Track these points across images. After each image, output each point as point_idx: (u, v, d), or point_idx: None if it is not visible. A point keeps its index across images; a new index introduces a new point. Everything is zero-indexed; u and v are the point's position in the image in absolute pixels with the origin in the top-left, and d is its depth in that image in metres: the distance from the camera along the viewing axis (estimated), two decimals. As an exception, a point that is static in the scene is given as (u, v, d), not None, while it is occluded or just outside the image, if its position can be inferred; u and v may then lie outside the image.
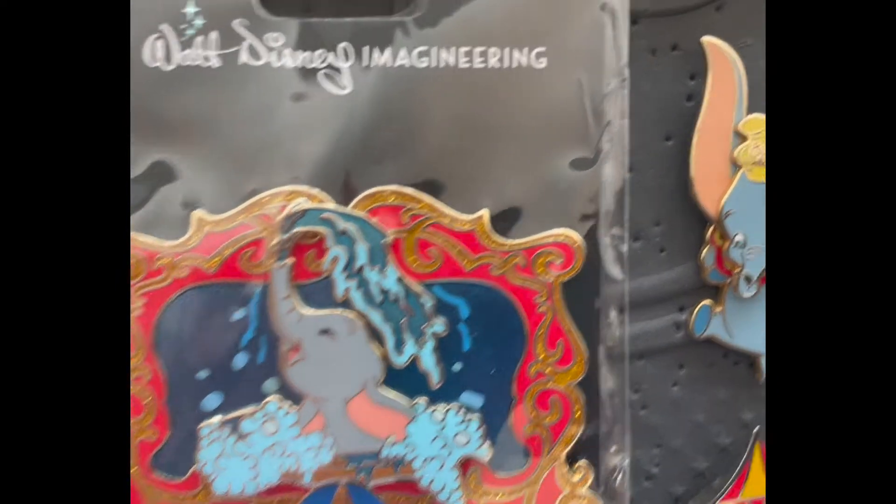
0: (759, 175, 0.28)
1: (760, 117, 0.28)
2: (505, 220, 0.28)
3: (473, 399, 0.28)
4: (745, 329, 0.29)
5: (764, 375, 0.29)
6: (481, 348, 0.28)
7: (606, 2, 0.28)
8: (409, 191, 0.28)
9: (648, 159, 0.29)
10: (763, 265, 0.28)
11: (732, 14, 0.29)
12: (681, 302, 0.29)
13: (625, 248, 0.29)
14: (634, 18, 0.29)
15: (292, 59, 0.27)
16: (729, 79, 0.28)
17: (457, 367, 0.28)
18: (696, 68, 0.29)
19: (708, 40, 0.28)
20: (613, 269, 0.29)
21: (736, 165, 0.28)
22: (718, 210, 0.28)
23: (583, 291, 0.29)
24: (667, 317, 0.29)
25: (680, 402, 0.30)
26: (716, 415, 0.30)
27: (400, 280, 0.28)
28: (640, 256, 0.29)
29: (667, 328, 0.29)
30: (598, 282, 0.29)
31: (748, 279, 0.28)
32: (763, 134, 0.28)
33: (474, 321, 0.28)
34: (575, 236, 0.28)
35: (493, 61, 0.28)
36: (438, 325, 0.28)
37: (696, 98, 0.29)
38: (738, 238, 0.28)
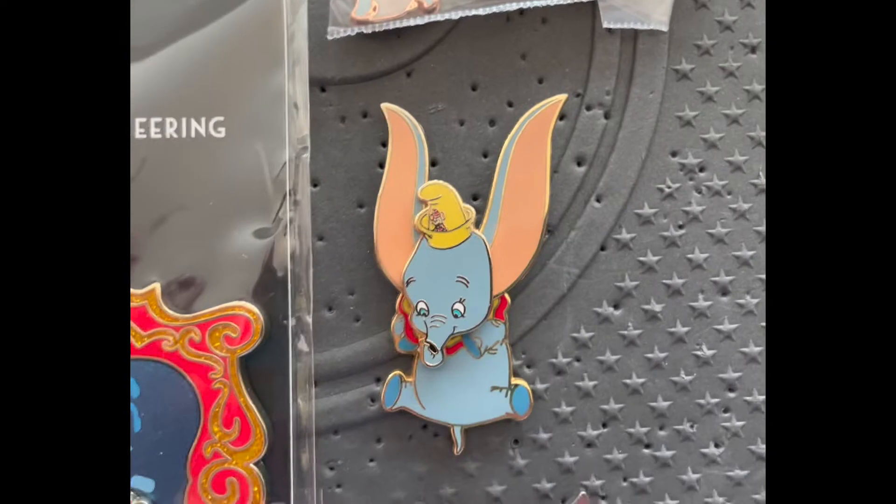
0: (440, 241, 0.27)
1: (439, 184, 0.27)
2: (181, 293, 0.28)
3: (144, 483, 0.27)
4: (436, 400, 0.28)
5: (460, 448, 0.28)
6: (152, 429, 0.27)
7: (286, 70, 0.28)
8: (74, 266, 0.27)
9: (340, 227, 0.29)
10: (448, 334, 0.27)
11: (423, 80, 0.29)
12: (377, 373, 0.28)
13: (310, 318, 0.28)
14: (322, 86, 0.29)
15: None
16: (410, 146, 0.28)
17: (126, 450, 0.27)
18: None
19: (387, 107, 0.28)
20: (299, 341, 0.28)
21: (418, 232, 0.27)
22: (401, 278, 0.27)
23: (264, 366, 0.28)
24: (362, 388, 0.28)
25: (377, 478, 0.28)
26: (415, 491, 0.28)
27: (60, 360, 0.26)
28: (334, 327, 0.28)
29: (361, 401, 0.28)
30: (283, 355, 0.28)
31: (433, 348, 0.27)
32: (442, 200, 0.27)
33: (145, 401, 0.27)
34: (253, 309, 0.27)
35: (170, 131, 0.28)
36: (101, 407, 0.26)
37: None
38: (421, 306, 0.27)
